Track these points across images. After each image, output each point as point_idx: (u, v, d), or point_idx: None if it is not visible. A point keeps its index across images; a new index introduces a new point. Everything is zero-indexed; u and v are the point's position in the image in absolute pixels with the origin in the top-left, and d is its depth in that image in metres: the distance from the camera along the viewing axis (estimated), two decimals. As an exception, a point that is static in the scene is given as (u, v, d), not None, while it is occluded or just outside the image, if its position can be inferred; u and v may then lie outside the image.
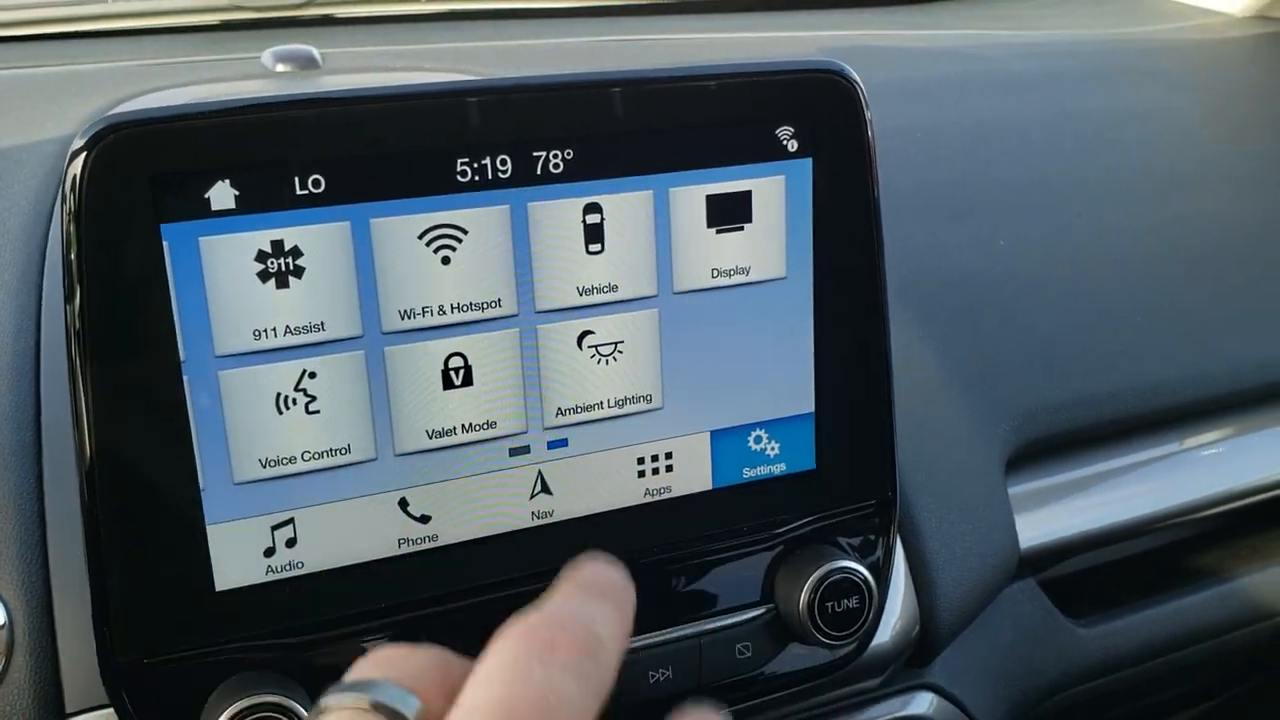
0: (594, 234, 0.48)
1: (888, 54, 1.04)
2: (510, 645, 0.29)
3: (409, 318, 0.46)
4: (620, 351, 0.50)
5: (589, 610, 0.32)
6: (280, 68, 0.86)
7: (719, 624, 0.54)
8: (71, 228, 0.42)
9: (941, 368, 0.69)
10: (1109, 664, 0.72)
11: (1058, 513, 0.70)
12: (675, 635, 0.53)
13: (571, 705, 0.28)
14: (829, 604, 0.53)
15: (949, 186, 0.83)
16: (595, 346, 0.50)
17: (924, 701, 0.63)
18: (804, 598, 0.53)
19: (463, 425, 0.48)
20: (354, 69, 0.91)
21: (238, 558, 0.46)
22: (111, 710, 0.47)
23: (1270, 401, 0.79)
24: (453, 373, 0.48)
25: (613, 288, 0.49)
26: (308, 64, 0.87)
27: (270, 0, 1.16)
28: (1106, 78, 1.04)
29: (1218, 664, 0.81)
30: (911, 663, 0.62)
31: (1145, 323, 0.77)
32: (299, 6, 1.17)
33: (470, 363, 0.48)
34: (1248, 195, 0.92)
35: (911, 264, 0.74)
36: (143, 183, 0.42)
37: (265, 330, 0.44)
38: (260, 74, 0.87)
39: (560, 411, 0.50)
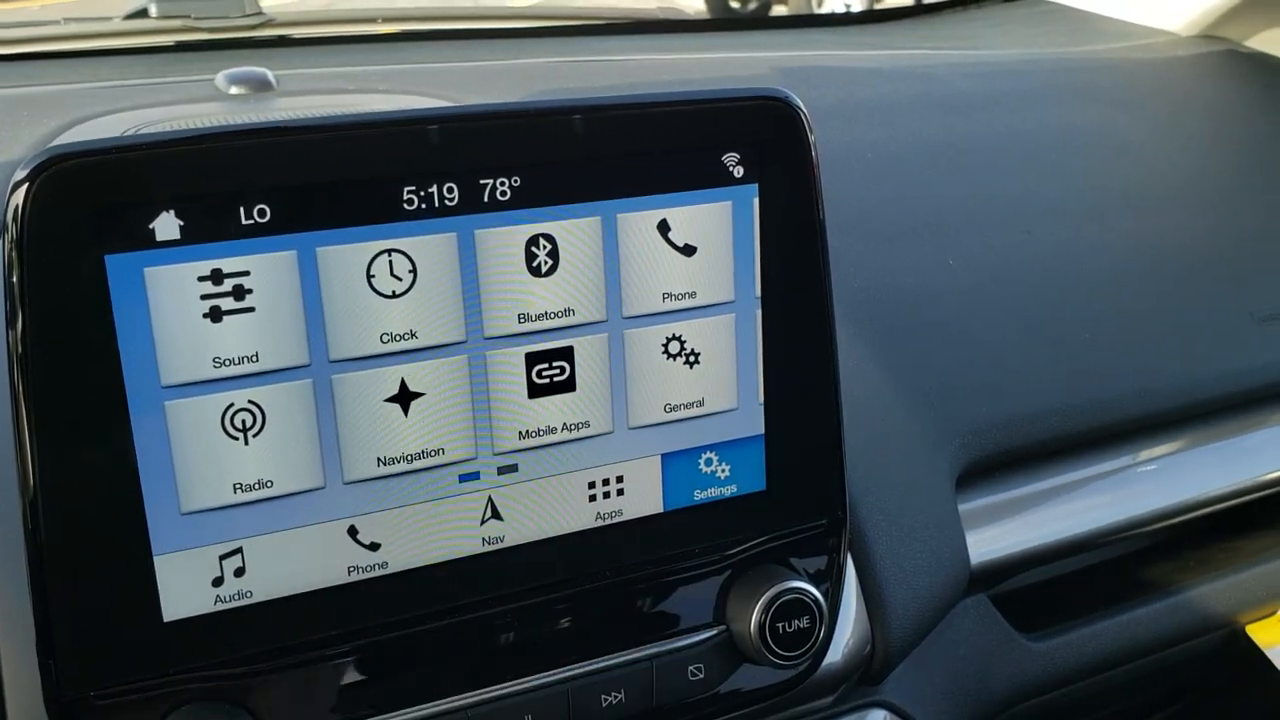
0: (542, 260, 0.49)
1: (840, 74, 1.05)
2: None
3: (356, 346, 0.46)
4: (570, 377, 0.50)
5: None
6: (234, 90, 0.86)
7: (671, 646, 0.54)
8: (13, 255, 0.42)
9: (891, 386, 0.70)
10: (1060, 677, 0.73)
11: (1007, 529, 0.71)
12: (628, 658, 0.53)
13: None
14: (780, 624, 0.53)
15: (898, 205, 0.84)
16: (545, 372, 0.50)
17: (877, 719, 0.64)
18: (755, 618, 0.53)
19: (412, 453, 0.48)
20: (308, 91, 0.90)
21: (185, 588, 0.46)
22: (59, 744, 0.46)
23: (1214, 417, 0.81)
24: (401, 400, 0.48)
25: (561, 314, 0.50)
26: (261, 86, 0.87)
27: (224, 21, 1.16)
28: (1055, 97, 1.06)
29: (1167, 676, 0.82)
30: (864, 681, 0.63)
31: (1091, 339, 0.79)
32: (253, 28, 1.17)
33: (419, 390, 0.48)
34: (1193, 212, 0.93)
35: (861, 282, 0.75)
36: (86, 214, 0.42)
37: (212, 360, 0.44)
38: (214, 96, 0.87)
39: (510, 437, 0.50)
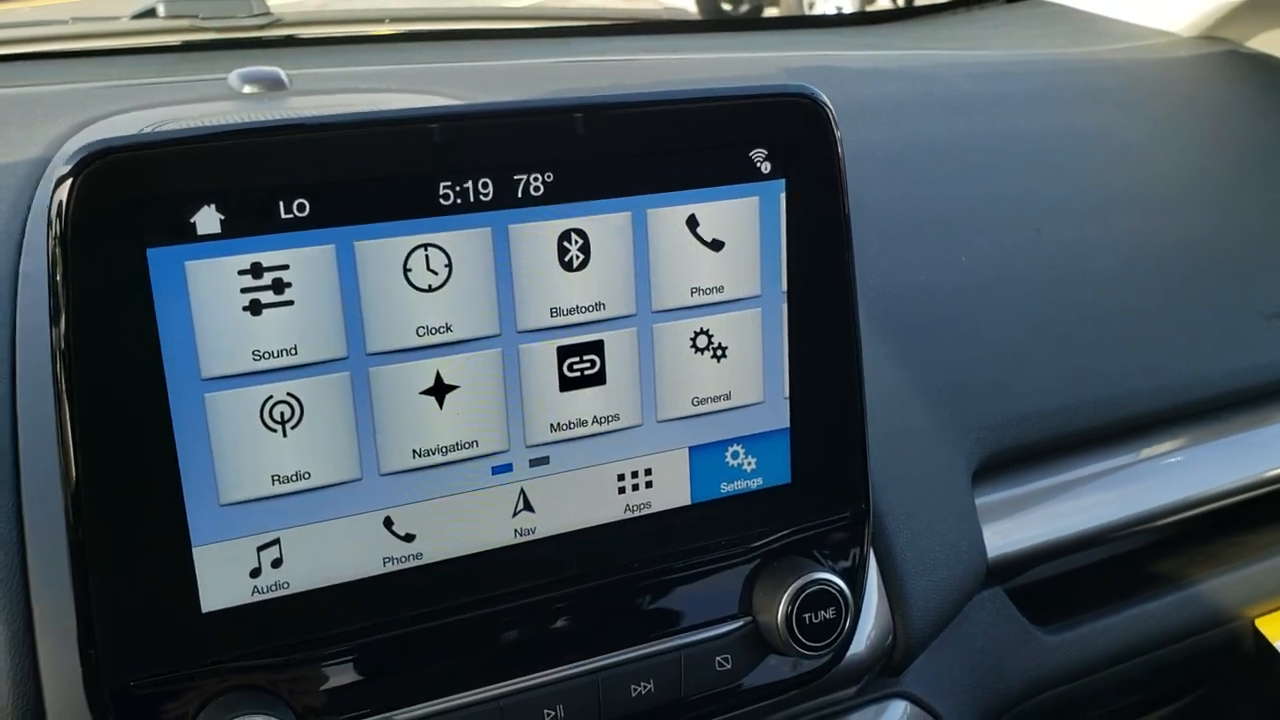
0: (574, 255, 0.49)
1: (844, 74, 1.06)
2: None
3: (393, 339, 0.47)
4: (600, 370, 0.51)
5: None
6: (247, 89, 0.86)
7: (699, 637, 0.54)
8: (57, 251, 0.42)
9: (907, 382, 0.70)
10: (1075, 670, 0.74)
11: (1022, 523, 0.72)
12: (656, 649, 0.54)
13: None
14: (806, 615, 0.54)
15: (908, 204, 0.85)
16: (576, 366, 0.50)
17: (898, 709, 0.64)
18: (782, 609, 0.54)
19: (447, 445, 0.49)
20: (321, 90, 0.91)
21: (224, 579, 0.46)
22: (97, 735, 0.47)
23: (1223, 412, 0.81)
24: (437, 393, 0.48)
25: (592, 308, 0.50)
26: (274, 85, 0.87)
27: (232, 21, 1.16)
28: (1057, 98, 1.06)
29: (1179, 668, 0.83)
30: (885, 672, 0.64)
31: (1101, 337, 0.79)
32: (261, 28, 1.17)
33: (454, 383, 0.48)
34: (1198, 211, 0.94)
35: (875, 280, 0.76)
36: (128, 208, 0.42)
37: (251, 353, 0.45)
38: (227, 95, 0.87)
39: (542, 430, 0.50)
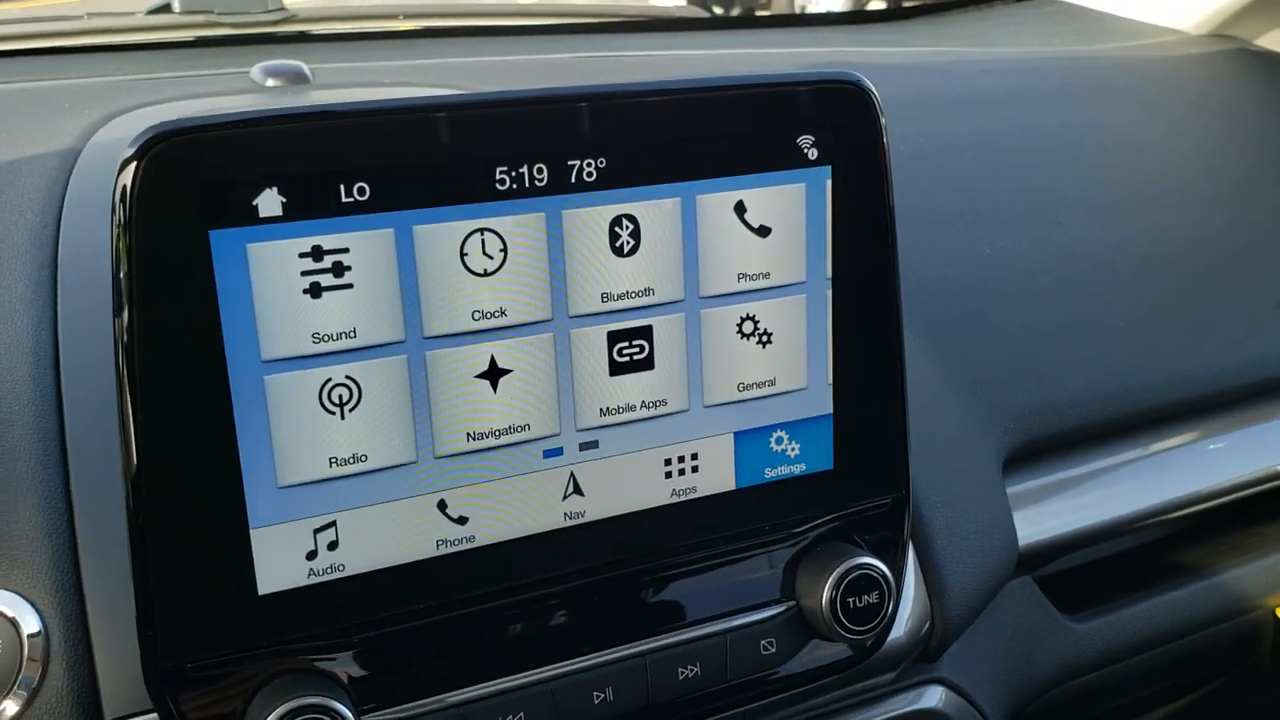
0: (625, 241, 0.50)
1: (862, 69, 1.06)
2: None
3: (449, 323, 0.47)
4: (649, 355, 0.51)
5: None
6: (271, 82, 0.86)
7: (744, 621, 0.55)
8: (121, 244, 0.42)
9: (938, 373, 0.71)
10: (1102, 658, 0.75)
11: (1052, 511, 0.73)
12: (702, 633, 0.54)
13: None
14: (850, 599, 0.54)
15: (933, 198, 0.85)
16: (625, 350, 0.51)
17: (935, 695, 0.65)
18: (826, 594, 0.54)
19: (500, 428, 0.49)
20: (343, 84, 0.91)
21: (280, 561, 0.47)
22: (151, 715, 0.47)
23: (1245, 403, 0.82)
24: (491, 377, 0.48)
25: (642, 293, 0.51)
26: (298, 79, 0.87)
27: (247, 17, 1.16)
28: (1073, 94, 1.07)
29: (1204, 656, 0.84)
30: (922, 658, 0.64)
31: (1124, 328, 0.80)
32: (275, 24, 1.17)
33: (508, 367, 0.49)
34: (1213, 205, 0.95)
35: (903, 273, 0.76)
36: (192, 190, 0.43)
37: (311, 336, 0.45)
38: (249, 89, 0.87)
39: (591, 414, 0.51)
